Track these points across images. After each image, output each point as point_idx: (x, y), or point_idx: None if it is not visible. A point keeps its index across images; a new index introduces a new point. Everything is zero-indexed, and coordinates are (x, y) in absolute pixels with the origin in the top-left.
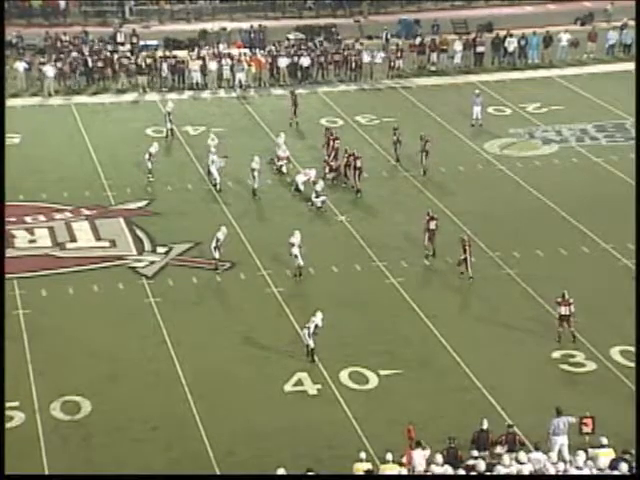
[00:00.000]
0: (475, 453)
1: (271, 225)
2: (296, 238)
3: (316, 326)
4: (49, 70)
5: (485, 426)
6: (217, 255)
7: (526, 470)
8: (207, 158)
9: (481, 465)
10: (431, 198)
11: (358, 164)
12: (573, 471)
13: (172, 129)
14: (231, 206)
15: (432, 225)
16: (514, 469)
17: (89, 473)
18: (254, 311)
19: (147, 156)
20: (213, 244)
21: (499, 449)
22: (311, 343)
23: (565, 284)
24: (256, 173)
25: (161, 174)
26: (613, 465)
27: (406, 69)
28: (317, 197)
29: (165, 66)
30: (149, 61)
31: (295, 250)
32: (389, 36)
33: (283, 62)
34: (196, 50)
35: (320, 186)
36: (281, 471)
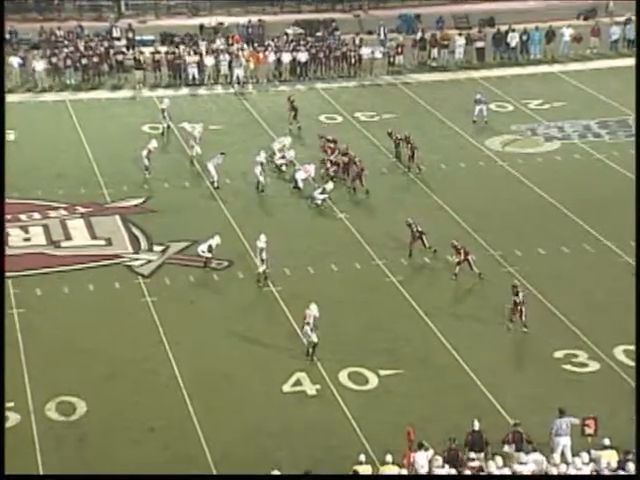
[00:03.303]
0: (472, 455)
1: (270, 223)
2: (262, 242)
3: (314, 318)
4: (38, 64)
5: (477, 427)
6: (208, 255)
7: (526, 471)
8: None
9: (492, 466)
10: (431, 195)
11: (345, 160)
12: (573, 472)
13: (168, 126)
14: (229, 204)
15: (416, 232)
16: (506, 471)
17: (85, 474)
18: (252, 310)
19: (145, 152)
20: (204, 248)
21: (507, 448)
22: (314, 338)
23: (567, 282)
24: (263, 167)
25: (158, 171)
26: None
27: (406, 65)
28: (321, 193)
29: (189, 60)
30: (156, 57)
31: (264, 255)
32: (386, 31)
33: (284, 58)
34: (204, 45)
35: (330, 187)
36: (276, 473)
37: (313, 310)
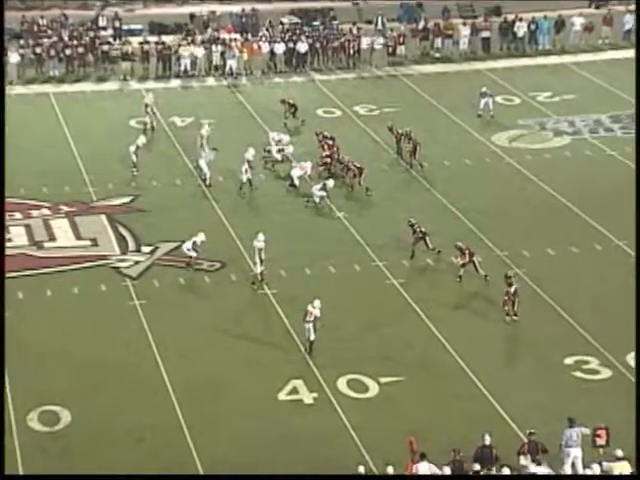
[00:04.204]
0: (477, 467)
1: (264, 222)
2: (261, 241)
3: (315, 318)
4: (12, 57)
5: (488, 442)
6: (193, 254)
7: None
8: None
9: (506, 470)
10: (434, 193)
11: (337, 156)
12: None
13: (152, 122)
14: (221, 202)
15: (419, 232)
16: None
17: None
18: (246, 314)
19: (133, 148)
20: (189, 245)
21: (523, 460)
22: (312, 336)
23: (577, 284)
24: (250, 165)
25: (146, 168)
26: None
27: (408, 55)
28: (321, 190)
29: (183, 51)
30: (145, 47)
31: (262, 255)
32: (384, 21)
33: (279, 48)
34: (194, 35)
35: (331, 184)
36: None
37: (316, 308)
